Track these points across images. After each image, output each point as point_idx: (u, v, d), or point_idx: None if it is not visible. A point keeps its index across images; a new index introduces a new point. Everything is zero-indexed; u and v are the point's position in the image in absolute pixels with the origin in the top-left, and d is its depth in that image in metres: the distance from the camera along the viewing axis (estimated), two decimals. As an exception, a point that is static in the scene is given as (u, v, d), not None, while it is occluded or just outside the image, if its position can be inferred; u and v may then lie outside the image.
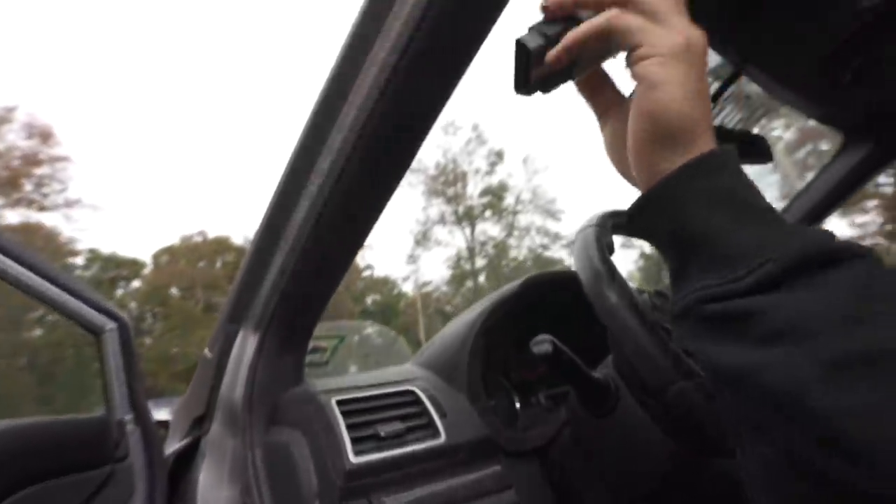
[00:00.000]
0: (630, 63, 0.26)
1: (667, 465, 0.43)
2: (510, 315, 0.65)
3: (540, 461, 0.58)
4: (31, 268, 0.44)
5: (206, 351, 0.66)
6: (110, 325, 0.49)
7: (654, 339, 0.37)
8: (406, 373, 0.63)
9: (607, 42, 0.27)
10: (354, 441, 0.47)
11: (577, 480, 0.54)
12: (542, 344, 0.41)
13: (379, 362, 1.04)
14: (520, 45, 0.27)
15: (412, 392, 0.55)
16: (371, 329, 1.03)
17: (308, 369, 0.69)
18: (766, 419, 0.22)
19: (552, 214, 17.22)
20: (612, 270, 0.40)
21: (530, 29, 0.28)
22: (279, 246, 0.52)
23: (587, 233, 0.44)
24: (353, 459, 0.45)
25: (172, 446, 0.59)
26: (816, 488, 0.21)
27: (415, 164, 0.74)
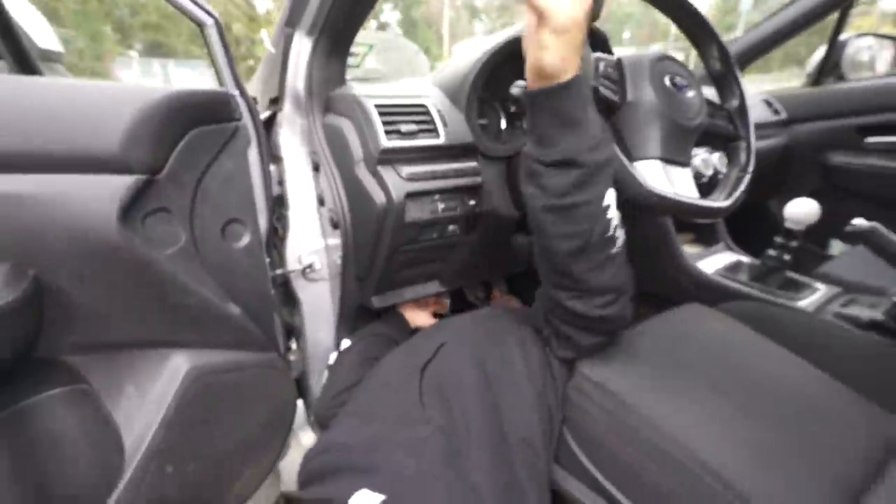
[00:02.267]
0: (538, 25, 0.46)
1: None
2: (516, 55, 0.79)
3: (506, 165, 0.87)
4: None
5: (270, 47, 0.84)
6: (209, 20, 0.66)
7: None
8: (422, 89, 0.83)
9: None
10: (386, 132, 0.72)
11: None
12: (515, 87, 0.59)
13: (400, 71, 1.20)
14: None
15: (424, 105, 0.77)
16: (397, 41, 1.15)
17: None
18: (533, 225, 0.56)
19: None
20: None
21: None
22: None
23: None
24: (385, 143, 0.71)
25: (260, 114, 0.86)
26: (544, 254, 0.54)
27: None
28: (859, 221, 0.71)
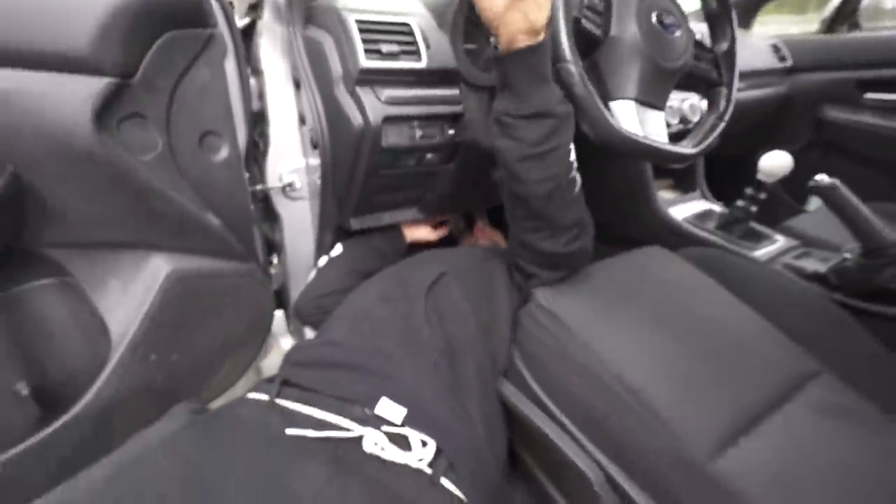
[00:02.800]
0: None
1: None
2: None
3: (489, 95, 0.86)
4: None
5: (248, -56, 0.78)
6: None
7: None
8: (408, 6, 0.80)
9: None
10: (366, 51, 0.70)
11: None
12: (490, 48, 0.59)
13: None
14: None
15: (408, 24, 0.75)
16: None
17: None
18: (508, 176, 0.59)
19: None
20: None
21: None
22: None
23: None
24: (364, 62, 0.70)
25: (238, 21, 0.82)
26: (511, 198, 0.61)
27: None
28: (821, 177, 0.73)
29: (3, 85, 0.49)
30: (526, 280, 0.72)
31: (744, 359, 0.65)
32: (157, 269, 0.65)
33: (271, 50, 0.82)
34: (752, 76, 1.33)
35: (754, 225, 1.03)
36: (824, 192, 0.74)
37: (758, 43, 1.46)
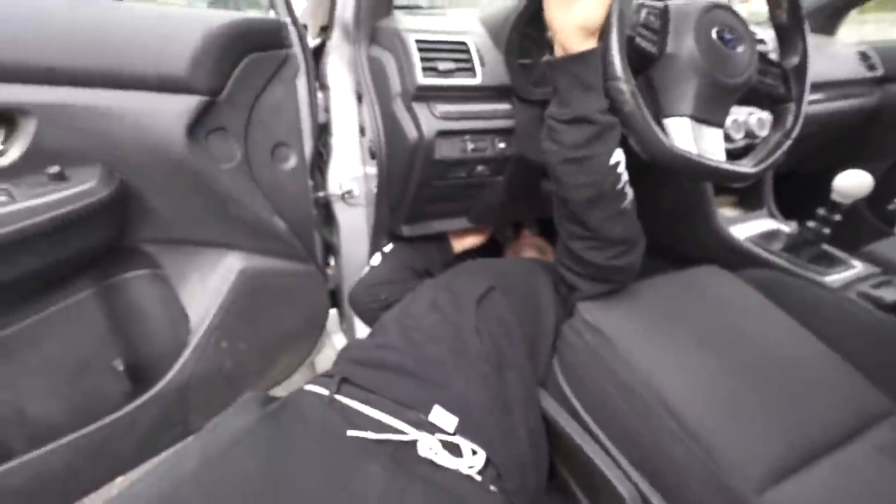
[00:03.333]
0: None
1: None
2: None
3: (541, 109, 0.87)
4: None
5: (322, -27, 0.86)
6: (264, -53, 0.69)
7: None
8: (466, 25, 0.83)
9: None
10: (424, 69, 0.75)
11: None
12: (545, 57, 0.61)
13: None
14: None
15: (465, 43, 0.78)
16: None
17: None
18: (553, 178, 0.62)
19: None
20: None
21: None
22: None
23: None
24: (421, 80, 0.74)
25: (310, 42, 0.90)
26: (558, 203, 0.63)
27: None
28: None
29: (113, 104, 0.58)
30: (570, 292, 0.73)
31: (803, 389, 0.61)
32: (232, 265, 0.73)
33: (338, 67, 0.89)
34: (834, 87, 1.24)
35: (827, 248, 0.95)
36: (908, 216, 0.68)
37: (843, 50, 1.35)
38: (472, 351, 0.61)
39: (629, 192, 0.64)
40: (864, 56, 1.34)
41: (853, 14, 1.46)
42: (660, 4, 0.62)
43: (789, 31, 0.69)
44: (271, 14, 0.76)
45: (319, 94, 0.91)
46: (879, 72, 1.33)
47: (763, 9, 0.73)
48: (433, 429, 0.51)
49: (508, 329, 0.66)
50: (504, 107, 0.82)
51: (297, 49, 0.78)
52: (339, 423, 0.51)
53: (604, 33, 0.57)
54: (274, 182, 0.78)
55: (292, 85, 0.79)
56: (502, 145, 0.83)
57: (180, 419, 0.57)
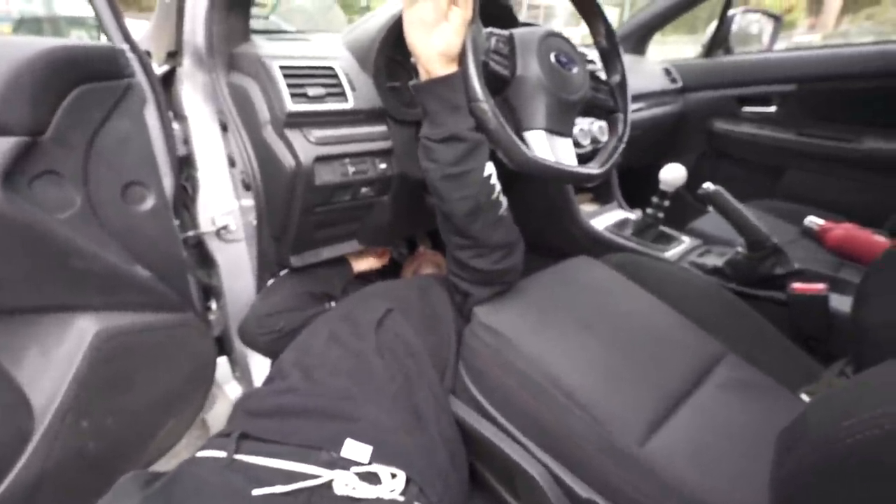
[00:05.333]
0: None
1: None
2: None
3: (416, 129, 0.91)
4: None
5: (163, -5, 0.78)
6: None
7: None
8: (332, 50, 0.84)
9: None
10: (292, 95, 0.73)
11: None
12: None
13: (314, 23, 1.17)
14: None
15: (332, 68, 0.78)
16: (308, -7, 1.10)
17: (252, 21, 0.86)
18: (434, 194, 0.66)
19: None
20: None
21: None
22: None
23: None
24: (291, 107, 0.72)
25: (156, 70, 0.82)
26: (441, 217, 0.69)
27: None
28: (707, 185, 0.85)
29: None
30: (464, 299, 0.77)
31: (661, 349, 0.73)
32: (83, 330, 0.62)
33: (193, 96, 0.82)
34: (649, 97, 1.50)
35: (664, 228, 1.15)
36: (710, 198, 0.86)
37: (651, 67, 1.65)
38: (378, 375, 0.61)
39: (503, 200, 0.71)
40: (667, 72, 1.66)
41: (657, 37, 1.79)
42: (506, 33, 0.70)
43: (609, 53, 0.83)
44: (103, 40, 0.67)
45: (175, 126, 0.83)
46: (679, 83, 1.66)
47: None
48: (347, 464, 0.50)
49: (410, 346, 0.67)
50: (380, 129, 0.83)
51: (140, 78, 0.70)
52: (241, 486, 0.46)
53: (461, 59, 0.62)
54: (129, 226, 0.68)
55: (139, 117, 0.70)
56: (383, 166, 0.84)
57: (33, 528, 0.47)
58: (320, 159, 0.75)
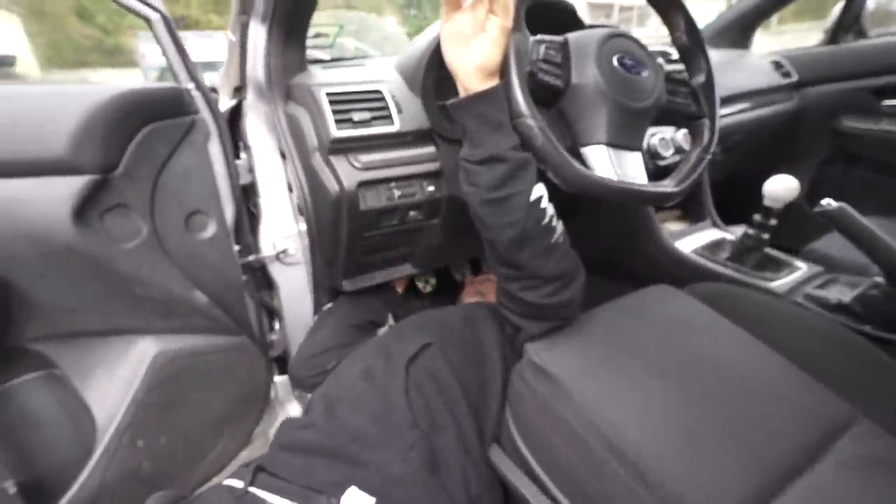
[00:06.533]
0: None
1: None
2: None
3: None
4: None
5: (230, 34, 0.84)
6: (155, 15, 0.66)
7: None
8: (381, 73, 0.82)
9: None
10: (337, 121, 0.72)
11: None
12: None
13: (383, 48, 1.18)
14: None
15: (379, 91, 0.77)
16: (368, 19, 1.12)
17: (315, 51, 0.88)
18: (476, 221, 0.60)
19: None
20: None
21: None
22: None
23: None
24: (335, 132, 0.72)
25: (224, 105, 0.87)
26: (491, 248, 0.61)
27: None
28: (827, 202, 0.67)
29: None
30: (515, 333, 0.69)
31: (763, 409, 0.58)
32: (143, 352, 0.66)
33: (257, 125, 0.86)
34: (753, 96, 1.29)
35: (771, 252, 0.96)
36: (833, 217, 0.68)
37: (757, 62, 1.42)
38: (399, 418, 0.55)
39: (557, 226, 0.62)
40: (777, 65, 1.42)
41: (773, 26, 1.55)
42: (559, 39, 0.62)
43: (691, 50, 0.71)
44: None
45: (243, 155, 0.88)
46: (794, 78, 1.40)
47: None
48: None
49: (444, 387, 0.61)
50: (428, 150, 0.80)
51: (205, 113, 0.75)
52: None
53: (504, 72, 0.56)
54: (190, 253, 0.72)
55: (203, 150, 0.75)
56: (431, 188, 0.80)
57: (90, 539, 0.49)
58: (364, 184, 0.73)
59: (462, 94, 0.58)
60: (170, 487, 0.65)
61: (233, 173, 0.79)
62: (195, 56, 0.74)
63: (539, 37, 0.61)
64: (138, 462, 0.64)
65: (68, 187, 0.57)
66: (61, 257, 0.57)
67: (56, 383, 0.61)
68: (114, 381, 0.64)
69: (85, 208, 0.59)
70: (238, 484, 0.51)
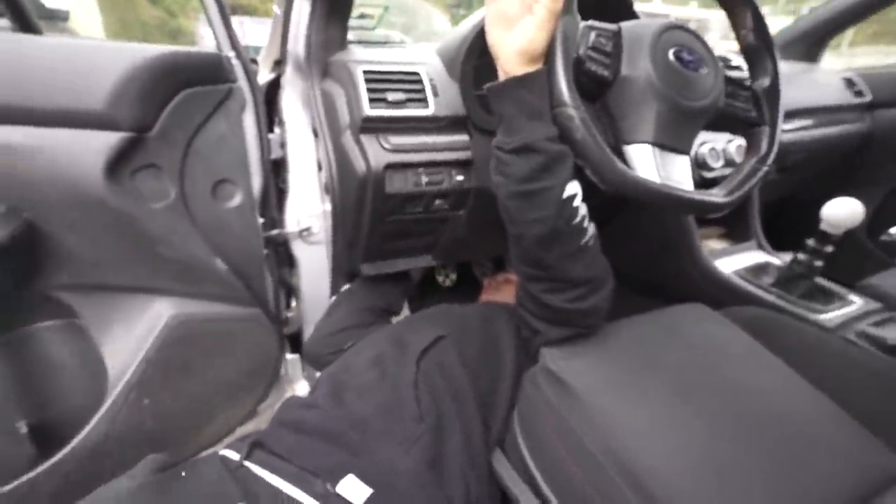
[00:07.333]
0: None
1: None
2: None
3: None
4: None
5: (276, 7, 0.84)
6: (203, -18, 0.67)
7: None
8: (421, 56, 0.80)
9: None
10: (371, 100, 0.71)
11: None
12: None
13: (418, 30, 1.16)
14: None
15: (417, 73, 0.74)
16: (411, 3, 1.10)
17: (359, 32, 0.87)
18: (504, 214, 0.57)
19: None
20: None
21: None
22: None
23: None
24: (368, 111, 0.70)
25: (263, 78, 0.87)
26: (511, 240, 0.58)
27: None
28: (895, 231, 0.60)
29: (25, 141, 0.54)
30: (532, 336, 0.65)
31: (801, 452, 0.52)
32: (160, 312, 0.66)
33: (293, 102, 0.86)
34: (820, 112, 1.20)
35: (822, 282, 0.88)
36: (903, 248, 0.61)
37: (827, 77, 1.32)
38: (406, 410, 0.53)
39: (589, 227, 0.58)
40: (849, 82, 1.31)
41: (844, 47, 1.44)
42: (612, 27, 0.58)
43: (758, 51, 0.65)
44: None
45: (276, 130, 0.88)
46: (867, 98, 1.29)
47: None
48: (339, 502, 0.44)
49: (455, 383, 0.59)
50: (461, 138, 0.77)
51: (243, 83, 0.75)
52: (231, 496, 0.43)
53: (548, 57, 0.53)
54: (215, 221, 0.73)
55: (238, 120, 0.75)
56: (460, 178, 0.78)
57: (89, 486, 0.50)
58: (392, 166, 0.72)
59: (501, 77, 0.55)
60: (170, 448, 0.66)
61: (264, 146, 0.79)
62: (249, 40, 0.74)
63: (590, 23, 0.57)
64: (142, 420, 0.65)
65: (103, 142, 0.58)
66: (91, 210, 0.58)
67: (76, 332, 0.63)
68: (129, 338, 0.64)
69: (117, 164, 0.60)
70: (234, 455, 0.50)
